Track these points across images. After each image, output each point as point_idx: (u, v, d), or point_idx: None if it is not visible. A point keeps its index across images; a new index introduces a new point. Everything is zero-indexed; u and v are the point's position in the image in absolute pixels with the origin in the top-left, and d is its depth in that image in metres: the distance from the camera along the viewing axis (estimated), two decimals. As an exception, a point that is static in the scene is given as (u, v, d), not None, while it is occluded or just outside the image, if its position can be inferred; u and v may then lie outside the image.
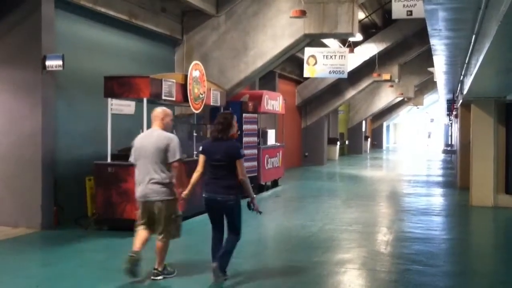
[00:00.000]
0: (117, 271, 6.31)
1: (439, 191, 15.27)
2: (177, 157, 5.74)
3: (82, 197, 9.32)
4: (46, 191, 8.53)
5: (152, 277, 5.86)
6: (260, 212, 5.79)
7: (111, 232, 8.33)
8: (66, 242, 7.70)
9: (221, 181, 5.60)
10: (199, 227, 8.63)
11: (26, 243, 7.70)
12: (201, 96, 10.28)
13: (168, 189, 5.73)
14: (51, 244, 7.74)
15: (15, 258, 6.84)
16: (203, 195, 5.71)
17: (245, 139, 12.50)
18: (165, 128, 5.92)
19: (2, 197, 8.67)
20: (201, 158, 5.76)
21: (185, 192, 5.77)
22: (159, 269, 5.88)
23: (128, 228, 8.28)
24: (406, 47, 22.29)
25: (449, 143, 29.44)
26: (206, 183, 5.72)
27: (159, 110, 5.98)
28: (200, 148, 5.91)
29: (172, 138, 5.81)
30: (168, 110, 6.08)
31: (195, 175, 5.75)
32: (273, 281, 6.15)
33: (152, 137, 5.82)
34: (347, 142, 33.43)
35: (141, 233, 5.85)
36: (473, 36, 6.49)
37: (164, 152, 5.71)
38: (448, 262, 7.18)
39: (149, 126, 8.68)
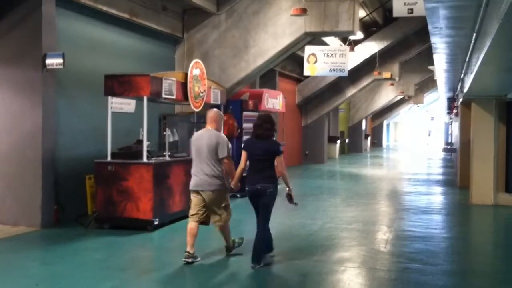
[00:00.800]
0: (117, 269, 6.34)
1: (439, 189, 15.27)
2: (225, 153, 6.48)
3: (82, 195, 9.33)
4: (46, 189, 8.53)
5: (226, 252, 6.82)
6: (296, 204, 6.64)
7: (112, 231, 8.33)
8: (67, 241, 7.70)
9: (262, 172, 6.25)
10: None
11: (26, 242, 7.70)
12: (201, 94, 10.28)
13: (218, 180, 6.47)
14: (51, 243, 7.74)
15: (15, 257, 6.84)
16: (246, 188, 6.36)
17: (245, 137, 12.47)
18: (217, 128, 6.66)
19: (3, 196, 8.67)
20: (244, 154, 6.41)
21: (233, 183, 6.52)
22: (226, 244, 6.79)
23: (128, 227, 8.35)
24: (407, 45, 22.28)
25: (449, 141, 29.44)
26: (248, 176, 6.37)
27: (212, 113, 6.72)
28: (243, 145, 6.57)
29: (222, 137, 6.56)
30: (220, 112, 6.88)
31: (239, 169, 6.49)
32: (273, 280, 6.17)
33: (206, 136, 6.55)
34: (347, 141, 33.44)
35: (191, 225, 6.53)
36: (474, 35, 6.49)
37: (215, 149, 6.43)
38: (448, 261, 7.18)
39: (149, 124, 8.82)
